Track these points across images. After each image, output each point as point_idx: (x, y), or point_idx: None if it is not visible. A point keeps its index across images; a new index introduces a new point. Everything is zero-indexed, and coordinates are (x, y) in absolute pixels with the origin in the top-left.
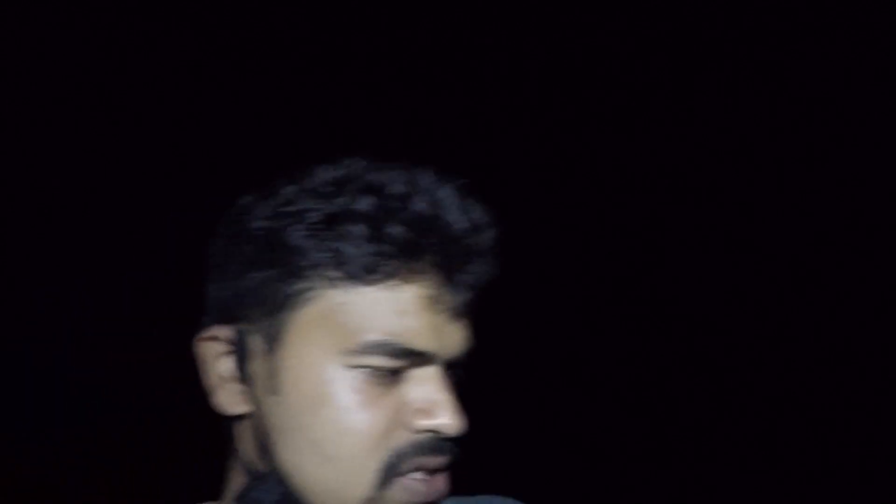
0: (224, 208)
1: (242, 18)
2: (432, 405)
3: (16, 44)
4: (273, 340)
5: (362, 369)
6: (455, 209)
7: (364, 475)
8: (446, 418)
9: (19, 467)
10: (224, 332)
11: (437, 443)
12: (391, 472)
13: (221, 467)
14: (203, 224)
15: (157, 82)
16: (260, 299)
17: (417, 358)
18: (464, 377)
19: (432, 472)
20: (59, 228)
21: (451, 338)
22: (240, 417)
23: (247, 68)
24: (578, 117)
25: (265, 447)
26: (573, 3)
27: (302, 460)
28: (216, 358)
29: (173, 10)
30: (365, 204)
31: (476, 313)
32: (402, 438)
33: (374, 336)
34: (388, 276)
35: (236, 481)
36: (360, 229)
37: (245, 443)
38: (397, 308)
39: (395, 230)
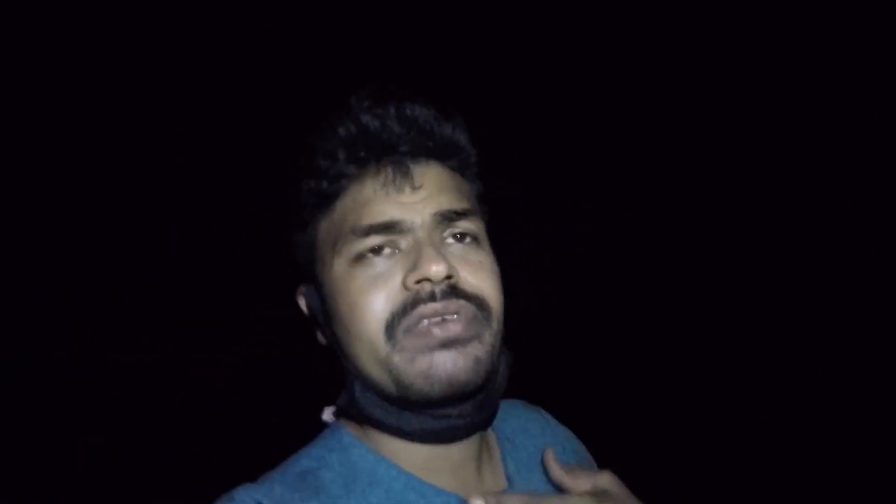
0: (223, 208)
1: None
2: (416, 261)
3: (16, 44)
4: (316, 276)
5: (357, 261)
6: (390, 112)
7: (376, 338)
8: (425, 265)
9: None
10: (303, 287)
11: (432, 291)
12: (392, 327)
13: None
14: (203, 224)
15: (158, 82)
16: (305, 252)
17: (390, 230)
18: (477, 230)
19: (441, 319)
20: (59, 228)
21: (420, 205)
22: (332, 351)
23: (243, 70)
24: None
25: (342, 355)
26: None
27: (350, 349)
28: (307, 308)
29: (167, 11)
30: (324, 135)
31: (466, 175)
32: (400, 297)
33: (350, 226)
34: (347, 184)
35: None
36: (321, 154)
37: (341, 366)
38: (360, 201)
39: (342, 145)
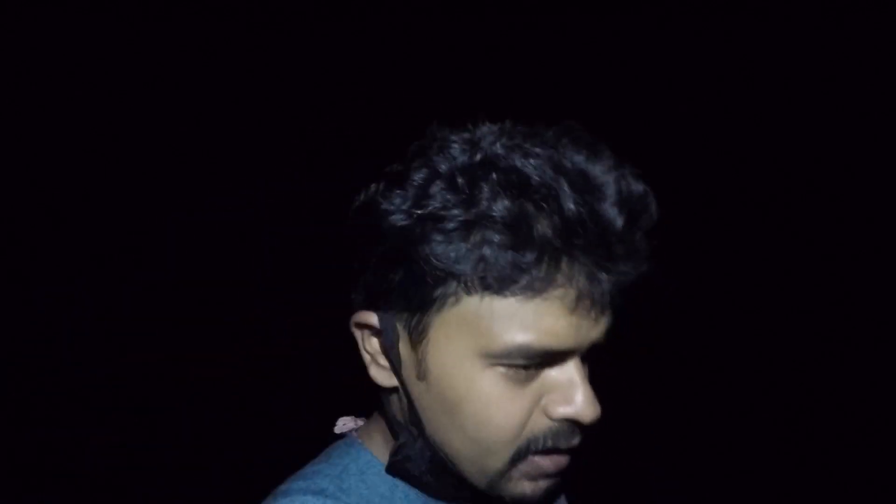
0: (223, 209)
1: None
2: (569, 394)
3: (16, 44)
4: (417, 334)
5: (501, 368)
6: (611, 198)
7: (501, 455)
8: (582, 407)
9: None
10: (372, 318)
11: (572, 428)
12: (524, 452)
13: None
14: (203, 224)
15: (158, 82)
16: (402, 296)
17: (556, 355)
18: (607, 361)
19: (561, 452)
20: (60, 228)
21: (592, 331)
22: (390, 389)
23: (244, 69)
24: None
25: (415, 418)
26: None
27: (449, 437)
28: (367, 338)
29: (167, 11)
30: (503, 208)
31: (625, 300)
32: (540, 425)
33: (513, 341)
34: (528, 286)
35: (385, 437)
36: (498, 238)
37: (395, 410)
38: (537, 313)
39: (538, 235)
